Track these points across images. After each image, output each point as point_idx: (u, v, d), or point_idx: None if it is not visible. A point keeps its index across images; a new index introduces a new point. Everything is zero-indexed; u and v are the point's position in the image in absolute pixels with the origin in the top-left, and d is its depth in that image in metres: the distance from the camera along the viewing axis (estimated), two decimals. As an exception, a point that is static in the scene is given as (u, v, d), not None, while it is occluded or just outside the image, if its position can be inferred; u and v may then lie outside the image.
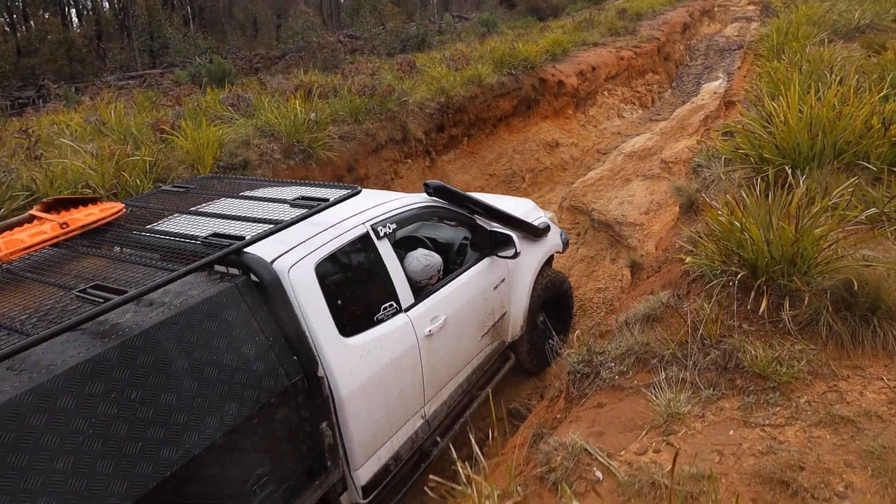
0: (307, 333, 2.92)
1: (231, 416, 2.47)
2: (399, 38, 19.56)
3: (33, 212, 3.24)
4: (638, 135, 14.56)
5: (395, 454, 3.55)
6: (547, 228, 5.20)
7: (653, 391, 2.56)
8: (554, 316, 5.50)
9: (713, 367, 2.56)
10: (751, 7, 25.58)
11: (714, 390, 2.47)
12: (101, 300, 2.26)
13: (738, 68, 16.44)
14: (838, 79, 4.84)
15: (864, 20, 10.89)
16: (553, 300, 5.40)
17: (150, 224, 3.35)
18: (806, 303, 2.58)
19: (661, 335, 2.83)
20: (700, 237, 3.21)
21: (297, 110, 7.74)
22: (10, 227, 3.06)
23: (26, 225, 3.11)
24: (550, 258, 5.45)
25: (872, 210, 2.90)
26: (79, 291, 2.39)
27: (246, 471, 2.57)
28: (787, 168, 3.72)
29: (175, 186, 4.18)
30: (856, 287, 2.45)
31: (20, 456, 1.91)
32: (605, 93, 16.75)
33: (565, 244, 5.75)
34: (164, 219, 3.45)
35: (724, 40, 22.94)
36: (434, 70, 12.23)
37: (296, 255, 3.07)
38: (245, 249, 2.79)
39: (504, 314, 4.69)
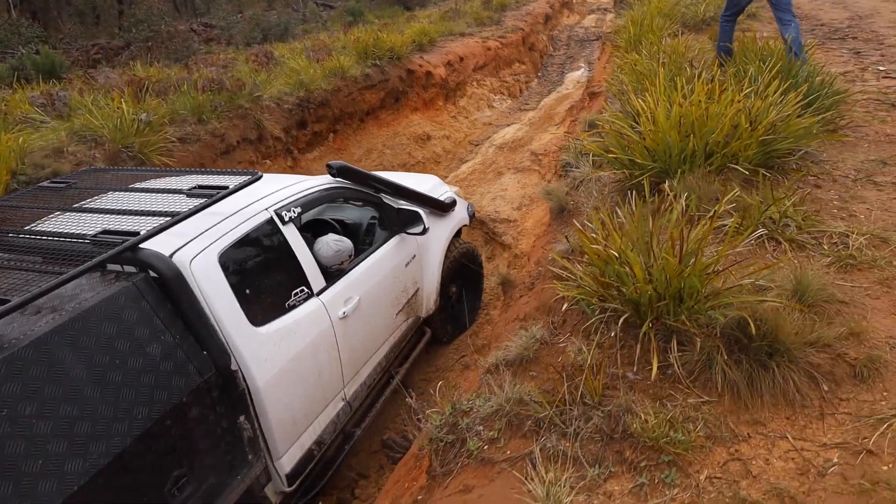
0: (216, 327, 2.76)
1: (141, 420, 2.31)
2: (259, 27, 18.15)
3: None
4: (508, 125, 14.39)
5: (317, 439, 3.46)
6: (453, 203, 5.13)
7: (529, 470, 2.03)
8: (466, 285, 5.49)
9: (598, 436, 2.06)
10: (606, -1, 26.46)
11: (600, 467, 1.97)
12: None
13: (598, 58, 16.76)
14: (699, 73, 4.61)
15: (708, 13, 11.24)
16: (464, 270, 5.36)
17: (27, 225, 3.06)
18: (698, 347, 2.16)
19: (536, 392, 2.30)
20: (572, 261, 2.73)
21: (125, 110, 6.58)
22: None
23: None
24: (459, 231, 5.38)
25: (762, 231, 2.55)
26: None
27: (162, 474, 2.41)
28: (660, 175, 3.36)
29: (53, 182, 3.70)
30: (752, 327, 2.05)
31: None
32: (475, 83, 16.44)
33: (471, 217, 5.70)
34: (44, 218, 3.15)
35: (583, 31, 23.51)
36: (294, 62, 11.24)
37: (196, 246, 2.84)
38: (141, 245, 2.56)
39: (417, 290, 4.63)
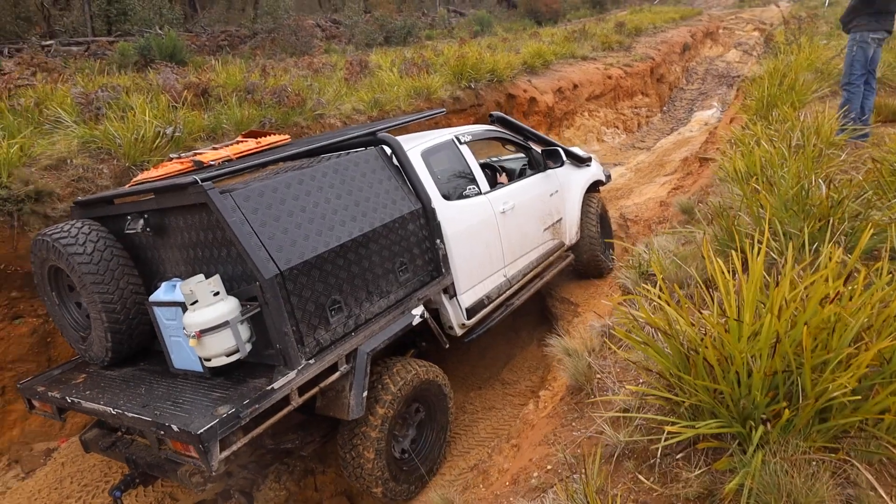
0: (423, 184, 4.06)
1: (385, 216, 3.70)
2: (383, 28, 17.33)
3: (239, 138, 4.70)
4: (613, 165, 12.48)
5: (487, 293, 4.54)
6: (589, 158, 6.27)
7: None
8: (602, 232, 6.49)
9: None
10: (756, 33, 23.20)
11: None
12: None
13: (732, 103, 14.28)
14: (835, 222, 2.80)
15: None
16: (602, 221, 6.43)
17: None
18: None
19: None
20: None
21: (148, 120, 5.69)
22: (229, 145, 4.39)
23: (234, 144, 4.42)
24: (598, 187, 6.57)
25: None
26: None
27: (393, 255, 3.73)
28: (726, 428, 1.73)
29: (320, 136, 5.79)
30: None
31: (300, 202, 3.31)
32: (586, 114, 14.54)
33: (607, 178, 6.81)
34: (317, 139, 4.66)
35: (724, 66, 20.61)
36: (385, 74, 10.11)
37: (409, 146, 4.26)
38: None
39: (560, 219, 5.68)
